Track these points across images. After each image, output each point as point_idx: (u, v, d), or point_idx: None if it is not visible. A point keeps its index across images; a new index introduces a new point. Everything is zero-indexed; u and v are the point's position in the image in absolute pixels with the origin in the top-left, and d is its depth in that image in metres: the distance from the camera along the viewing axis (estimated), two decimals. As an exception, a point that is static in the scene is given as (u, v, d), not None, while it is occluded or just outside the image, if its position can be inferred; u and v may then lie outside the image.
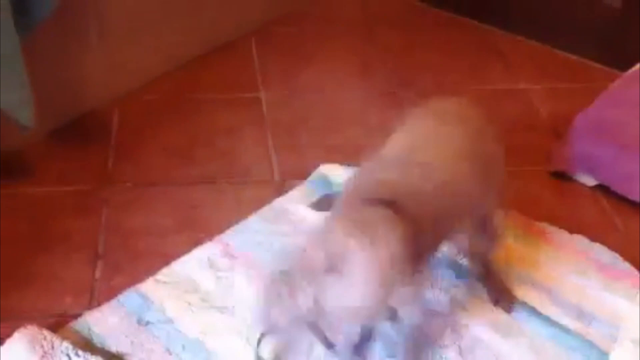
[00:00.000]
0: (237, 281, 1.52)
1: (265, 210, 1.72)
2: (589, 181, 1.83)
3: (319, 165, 1.85)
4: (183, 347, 1.37)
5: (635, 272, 1.57)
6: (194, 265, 1.56)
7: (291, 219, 1.69)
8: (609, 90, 2.00)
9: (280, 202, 1.75)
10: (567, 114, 2.00)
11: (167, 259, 1.57)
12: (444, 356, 1.36)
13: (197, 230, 1.68)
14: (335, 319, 1.01)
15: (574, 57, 2.41)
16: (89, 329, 1.40)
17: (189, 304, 1.46)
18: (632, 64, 2.12)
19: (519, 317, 1.45)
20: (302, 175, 1.84)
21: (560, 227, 1.68)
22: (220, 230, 1.66)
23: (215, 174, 1.89)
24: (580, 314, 1.47)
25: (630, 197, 1.76)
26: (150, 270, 1.54)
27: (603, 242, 1.64)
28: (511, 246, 1.62)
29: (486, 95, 2.20)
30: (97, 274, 1.57)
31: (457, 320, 1.45)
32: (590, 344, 1.40)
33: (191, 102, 2.18)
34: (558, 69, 2.39)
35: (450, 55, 2.49)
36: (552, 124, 2.07)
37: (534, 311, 1.47)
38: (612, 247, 1.63)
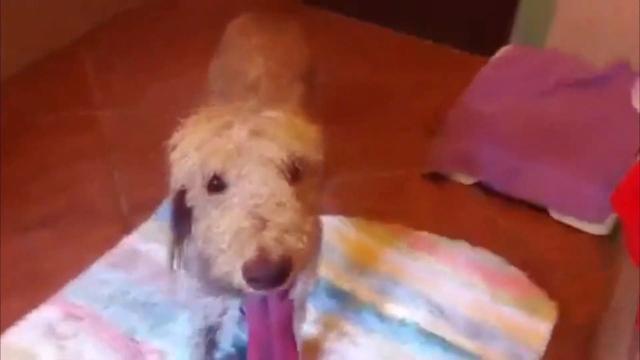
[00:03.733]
0: (85, 349, 1.27)
1: (113, 254, 1.47)
2: (467, 180, 1.73)
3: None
4: None
5: (522, 275, 1.50)
6: (32, 334, 1.30)
7: (145, 261, 1.45)
8: (478, 79, 1.92)
9: (129, 241, 1.50)
10: (437, 108, 1.89)
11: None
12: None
13: (34, 287, 1.41)
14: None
15: (437, 46, 2.29)
16: None
17: (27, 386, 1.20)
18: (496, 49, 2.06)
19: (412, 347, 1.32)
20: (155, 205, 1.59)
21: (441, 233, 1.57)
22: (61, 284, 1.39)
23: (54, 214, 1.61)
24: (476, 331, 1.37)
25: (510, 193, 1.67)
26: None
27: (486, 244, 1.56)
28: (395, 261, 1.49)
29: (348, 91, 2.03)
30: None
31: (347, 356, 1.30)
32: None
33: (18, 126, 1.86)
34: (422, 59, 2.26)
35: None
36: (423, 120, 1.93)
37: (425, 333, 1.35)
38: (496, 248, 1.55)
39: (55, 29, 2.10)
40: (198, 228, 0.79)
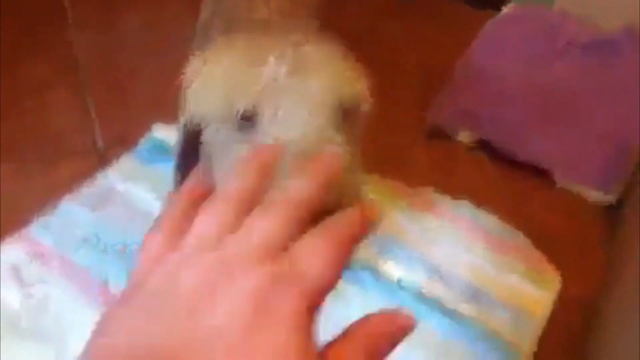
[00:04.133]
0: (55, 295, 1.14)
1: (86, 192, 1.33)
2: (471, 138, 1.63)
3: (150, 126, 1.49)
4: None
5: (525, 240, 1.43)
6: (-8, 275, 1.16)
7: (122, 201, 1.31)
8: (484, 35, 1.81)
9: (104, 178, 1.36)
10: (439, 64, 1.78)
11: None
12: None
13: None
14: None
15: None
16: None
17: (-11, 333, 1.07)
18: (501, 5, 1.96)
19: (409, 310, 1.23)
20: (132, 140, 1.46)
21: (443, 192, 1.48)
22: (26, 221, 1.25)
23: (21, 148, 1.45)
24: (475, 297, 1.30)
25: (513, 155, 1.59)
26: None
27: (488, 205, 1.47)
28: (394, 219, 1.39)
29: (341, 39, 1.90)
30: None
31: (339, 314, 1.19)
32: (491, 333, 1.24)
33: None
34: (426, 12, 2.14)
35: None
36: (425, 75, 1.82)
37: (423, 296, 1.27)
38: (497, 209, 1.47)
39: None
40: (218, 168, 0.68)
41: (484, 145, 1.62)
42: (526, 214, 1.50)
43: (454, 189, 1.51)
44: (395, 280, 1.29)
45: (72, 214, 1.29)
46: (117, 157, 1.42)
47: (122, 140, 1.45)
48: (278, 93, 0.64)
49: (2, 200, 1.33)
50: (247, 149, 0.64)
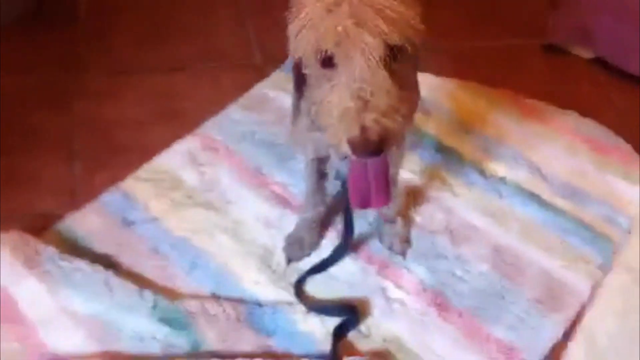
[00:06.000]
0: (221, 176, 1.47)
1: (246, 98, 1.64)
2: (587, 54, 1.74)
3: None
4: (170, 246, 1.35)
5: (627, 146, 1.54)
6: (176, 160, 1.51)
7: (273, 106, 1.61)
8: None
9: (260, 88, 1.66)
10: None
11: (146, 153, 1.52)
12: (434, 242, 1.35)
13: (175, 121, 1.61)
14: None
15: None
16: (73, 231, 1.36)
17: (173, 201, 1.42)
18: None
19: (510, 201, 1.43)
20: (282, 57, 1.71)
21: (554, 103, 1.63)
22: (199, 120, 1.59)
23: (191, 59, 1.79)
24: (573, 194, 1.45)
25: (628, 70, 1.68)
26: (130, 165, 1.49)
27: (598, 118, 1.59)
28: (501, 124, 1.57)
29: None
30: (76, 171, 1.51)
31: (446, 204, 1.43)
32: (586, 227, 1.39)
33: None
34: None
35: None
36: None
37: (524, 191, 1.45)
38: (607, 123, 1.59)
39: None
40: (312, 95, 0.93)
41: (598, 60, 1.72)
42: (635, 127, 1.59)
43: (565, 100, 1.65)
44: (499, 177, 1.48)
45: (235, 115, 1.60)
46: (270, 71, 1.71)
47: (275, 57, 1.74)
48: (347, 40, 0.85)
49: (180, 103, 1.67)
50: (330, 85, 0.87)
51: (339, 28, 0.85)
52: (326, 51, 0.87)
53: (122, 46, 1.82)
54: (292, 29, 0.91)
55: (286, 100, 1.60)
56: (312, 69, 0.92)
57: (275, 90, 1.64)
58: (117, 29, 1.86)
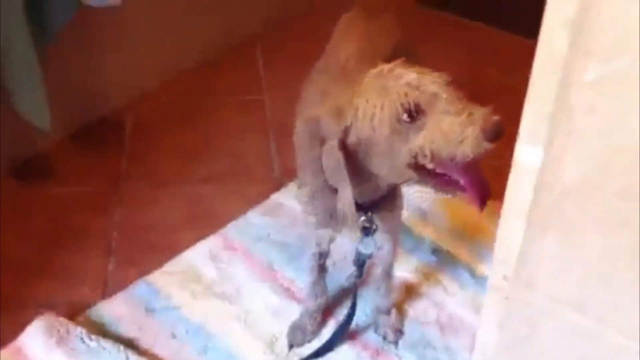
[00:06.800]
0: (236, 271, 1.65)
1: (263, 205, 1.84)
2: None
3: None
4: (186, 331, 1.51)
5: None
6: (198, 257, 1.69)
7: (287, 212, 1.81)
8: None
9: (276, 197, 1.87)
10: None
11: (174, 252, 1.71)
12: (424, 333, 1.48)
13: (202, 225, 1.81)
14: None
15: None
16: (102, 317, 1.54)
17: (193, 292, 1.60)
18: None
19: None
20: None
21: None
22: (223, 225, 1.79)
23: (222, 173, 2.02)
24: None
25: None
26: (159, 262, 1.69)
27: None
28: (493, 231, 1.70)
29: (479, 91, 2.25)
30: (111, 267, 1.71)
31: (438, 300, 1.56)
32: None
33: (200, 104, 2.31)
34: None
35: None
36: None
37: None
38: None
39: (235, 27, 2.55)
40: (377, 162, 1.09)
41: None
42: None
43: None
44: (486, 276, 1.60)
45: (253, 220, 1.80)
46: (287, 182, 1.93)
47: (291, 171, 1.95)
48: (424, 85, 1.02)
49: (210, 208, 1.88)
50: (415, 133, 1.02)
51: (412, 79, 1.02)
52: (409, 103, 1.00)
53: (160, 161, 2.06)
54: (360, 108, 1.05)
55: (298, 207, 1.81)
56: (381, 136, 1.04)
57: (289, 199, 1.84)
58: (157, 146, 2.12)
